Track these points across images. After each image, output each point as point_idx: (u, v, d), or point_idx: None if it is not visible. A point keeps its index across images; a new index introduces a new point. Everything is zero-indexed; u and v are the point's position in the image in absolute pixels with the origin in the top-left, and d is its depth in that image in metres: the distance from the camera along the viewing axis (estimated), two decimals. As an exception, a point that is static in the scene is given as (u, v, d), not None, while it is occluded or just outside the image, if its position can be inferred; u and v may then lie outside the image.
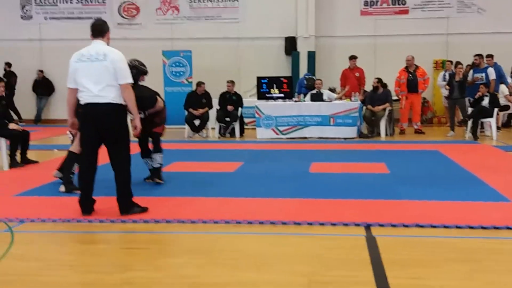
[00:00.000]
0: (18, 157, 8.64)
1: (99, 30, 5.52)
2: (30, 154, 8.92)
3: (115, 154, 5.46)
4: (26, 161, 8.70)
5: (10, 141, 8.54)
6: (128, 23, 17.02)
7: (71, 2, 17.12)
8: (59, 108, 17.16)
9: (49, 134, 13.82)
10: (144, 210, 5.54)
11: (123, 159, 5.48)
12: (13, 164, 8.49)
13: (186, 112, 12.94)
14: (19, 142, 8.59)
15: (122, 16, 16.91)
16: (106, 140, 5.43)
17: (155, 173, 7.06)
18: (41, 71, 17.01)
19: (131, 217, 5.37)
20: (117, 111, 5.39)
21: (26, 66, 17.05)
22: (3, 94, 8.72)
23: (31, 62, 17.13)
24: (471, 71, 12.89)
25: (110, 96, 5.32)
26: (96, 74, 5.31)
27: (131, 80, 5.45)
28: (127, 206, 5.48)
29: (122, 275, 3.90)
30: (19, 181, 7.43)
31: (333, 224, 5.08)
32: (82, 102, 5.42)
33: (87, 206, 5.49)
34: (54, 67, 16.96)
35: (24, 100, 16.77)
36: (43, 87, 17.04)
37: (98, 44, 5.46)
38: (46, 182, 7.27)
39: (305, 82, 14.07)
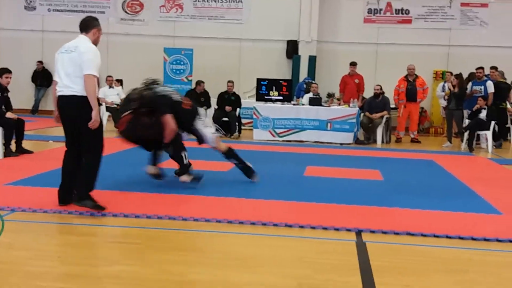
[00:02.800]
0: (13, 146, 8.62)
1: (85, 25, 5.53)
2: (26, 144, 8.91)
3: (82, 145, 5.41)
4: (21, 151, 8.69)
5: (4, 130, 8.52)
6: (131, 18, 17.04)
7: (75, -5, 17.16)
8: (58, 100, 17.19)
9: (46, 125, 13.77)
10: (98, 208, 5.33)
11: (89, 150, 5.41)
12: (7, 153, 8.47)
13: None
14: (13, 131, 8.57)
15: (126, 12, 16.93)
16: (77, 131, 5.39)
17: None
18: (41, 62, 17.00)
19: (80, 209, 5.29)
20: (80, 103, 5.28)
21: (27, 56, 17.05)
22: (7, 85, 8.77)
23: (32, 53, 17.13)
24: (470, 84, 12.90)
25: (76, 88, 5.27)
26: (67, 66, 5.34)
27: (94, 72, 5.26)
28: (82, 196, 5.35)
29: (110, 268, 3.89)
30: (12, 170, 7.41)
31: (324, 228, 5.08)
32: (57, 93, 5.44)
33: (64, 197, 5.46)
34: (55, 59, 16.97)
35: (23, 90, 16.73)
36: (42, 78, 17.05)
37: (80, 39, 5.48)
38: (39, 172, 7.26)
39: (305, 86, 14.10)
